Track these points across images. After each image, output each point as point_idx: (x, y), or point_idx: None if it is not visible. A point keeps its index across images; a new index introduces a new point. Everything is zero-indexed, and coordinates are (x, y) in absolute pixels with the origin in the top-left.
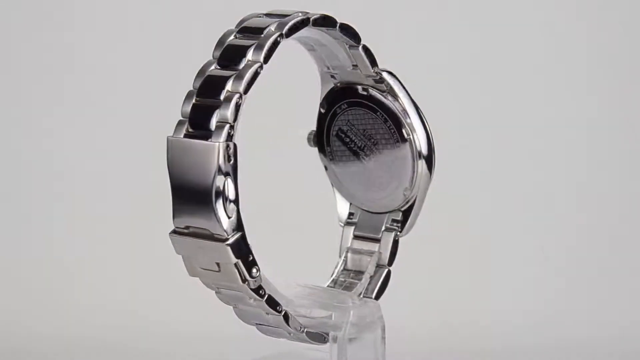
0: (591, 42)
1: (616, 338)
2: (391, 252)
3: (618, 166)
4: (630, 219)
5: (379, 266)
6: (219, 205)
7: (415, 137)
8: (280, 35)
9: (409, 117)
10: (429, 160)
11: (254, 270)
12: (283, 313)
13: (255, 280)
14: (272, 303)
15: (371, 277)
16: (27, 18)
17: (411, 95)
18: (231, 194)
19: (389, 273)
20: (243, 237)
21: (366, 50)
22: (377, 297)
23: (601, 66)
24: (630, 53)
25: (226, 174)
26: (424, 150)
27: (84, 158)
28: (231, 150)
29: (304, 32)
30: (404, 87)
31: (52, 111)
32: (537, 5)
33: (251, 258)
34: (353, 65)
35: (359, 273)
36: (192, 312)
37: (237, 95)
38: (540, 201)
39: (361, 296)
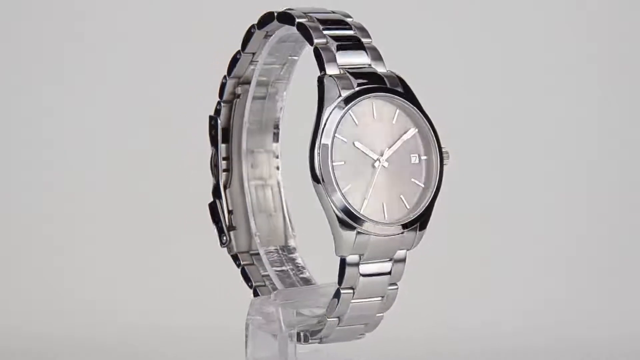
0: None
1: (617, 338)
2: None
3: (618, 169)
4: (631, 220)
5: None
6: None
7: None
8: (253, 26)
9: None
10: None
11: (223, 238)
12: (252, 288)
13: (229, 248)
14: (244, 275)
15: None
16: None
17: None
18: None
19: (336, 292)
20: (215, 204)
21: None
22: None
23: (607, 72)
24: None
25: (212, 144)
26: None
27: (87, 153)
28: (212, 123)
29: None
30: None
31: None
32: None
33: (220, 226)
34: None
35: None
36: (191, 313)
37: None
38: (540, 203)
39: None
